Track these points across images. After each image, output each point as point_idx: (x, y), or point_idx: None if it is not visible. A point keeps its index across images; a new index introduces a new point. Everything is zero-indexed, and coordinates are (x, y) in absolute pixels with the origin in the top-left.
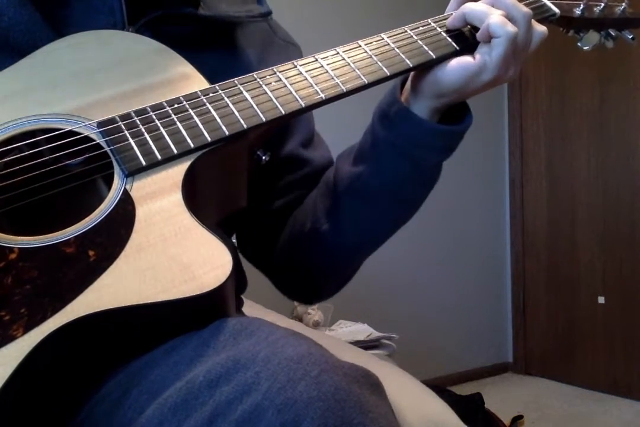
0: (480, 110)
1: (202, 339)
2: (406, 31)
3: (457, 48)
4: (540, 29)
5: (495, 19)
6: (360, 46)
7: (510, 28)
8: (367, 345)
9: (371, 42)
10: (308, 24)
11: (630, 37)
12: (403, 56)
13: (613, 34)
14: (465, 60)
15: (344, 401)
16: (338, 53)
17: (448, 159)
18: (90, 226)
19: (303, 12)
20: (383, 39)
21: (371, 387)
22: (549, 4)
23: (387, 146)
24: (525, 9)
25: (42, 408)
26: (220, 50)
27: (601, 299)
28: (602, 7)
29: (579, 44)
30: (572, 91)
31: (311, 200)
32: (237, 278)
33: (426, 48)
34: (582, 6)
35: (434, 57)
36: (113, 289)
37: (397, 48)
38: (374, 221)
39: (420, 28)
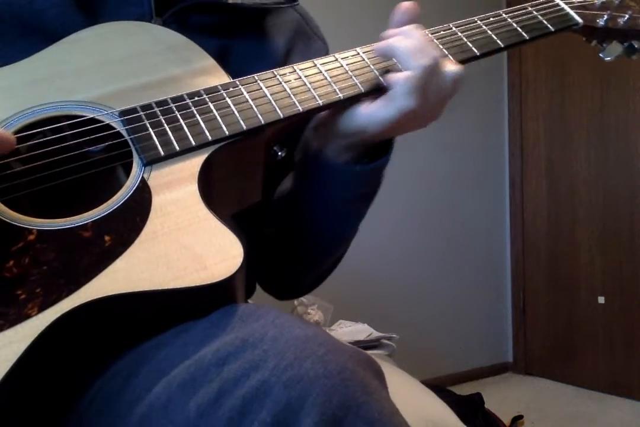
0: (480, 110)
1: (211, 322)
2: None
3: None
4: (455, 68)
5: (397, 76)
6: None
7: (425, 59)
8: (367, 345)
9: None
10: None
11: None
12: None
13: (636, 46)
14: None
15: (349, 380)
16: (358, 53)
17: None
18: (107, 212)
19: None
20: None
21: (374, 373)
22: (572, 13)
23: (299, 172)
24: (435, 53)
25: (53, 385)
26: (249, 38)
27: (601, 299)
28: (626, 18)
29: (600, 54)
30: (572, 91)
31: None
32: (247, 279)
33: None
34: (606, 17)
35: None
36: (126, 274)
37: None
38: (306, 232)
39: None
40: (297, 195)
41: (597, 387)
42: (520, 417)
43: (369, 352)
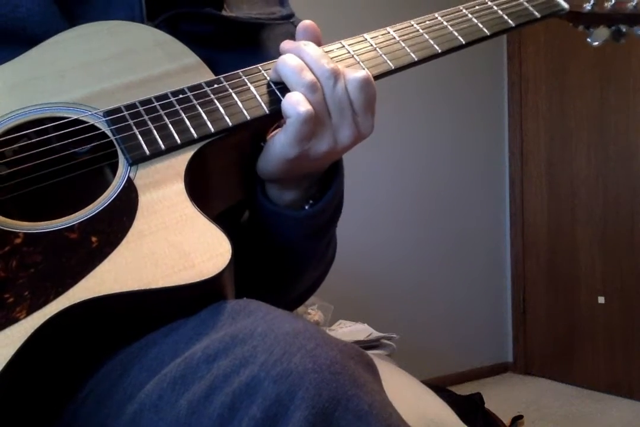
0: (480, 110)
1: (200, 320)
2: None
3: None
4: (354, 76)
5: (289, 98)
6: (365, 39)
7: (302, 108)
8: (367, 345)
9: (377, 36)
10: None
11: None
12: (407, 49)
13: (624, 30)
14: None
15: (339, 373)
16: (343, 46)
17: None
18: (93, 213)
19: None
20: (389, 32)
21: (366, 366)
22: None
23: (249, 212)
24: (327, 67)
25: (44, 387)
26: (242, 51)
27: (601, 299)
28: (613, 2)
29: (588, 39)
30: (572, 91)
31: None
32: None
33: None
34: (592, 1)
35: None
36: (114, 275)
37: (402, 41)
38: (268, 266)
39: None
40: (252, 232)
41: (597, 387)
42: (520, 417)
43: (369, 352)
